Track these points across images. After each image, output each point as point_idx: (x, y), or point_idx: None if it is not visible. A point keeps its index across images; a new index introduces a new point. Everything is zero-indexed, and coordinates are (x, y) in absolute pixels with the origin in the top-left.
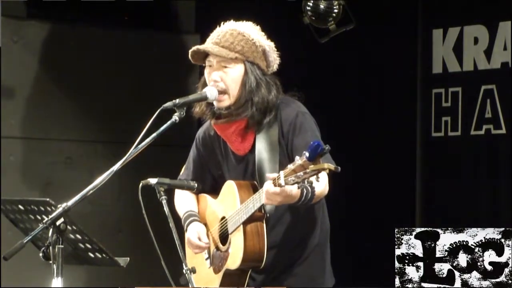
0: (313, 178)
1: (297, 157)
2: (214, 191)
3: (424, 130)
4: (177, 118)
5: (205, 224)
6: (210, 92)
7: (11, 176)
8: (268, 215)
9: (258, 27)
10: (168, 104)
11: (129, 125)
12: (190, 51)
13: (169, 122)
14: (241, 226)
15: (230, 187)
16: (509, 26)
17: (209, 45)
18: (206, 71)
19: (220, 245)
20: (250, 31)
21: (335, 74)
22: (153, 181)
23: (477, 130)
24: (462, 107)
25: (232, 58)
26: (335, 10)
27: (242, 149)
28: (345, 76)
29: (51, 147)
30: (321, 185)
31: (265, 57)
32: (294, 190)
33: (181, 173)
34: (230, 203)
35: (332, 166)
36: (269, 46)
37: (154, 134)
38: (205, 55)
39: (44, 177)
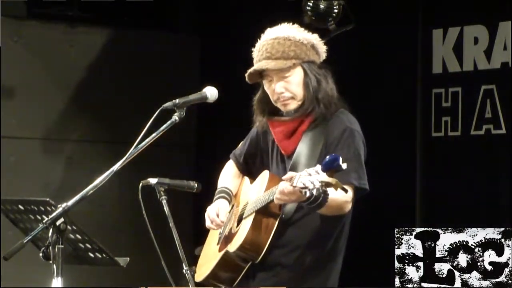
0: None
1: (318, 165)
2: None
3: (424, 130)
4: (177, 118)
5: (234, 205)
6: (210, 92)
7: (11, 176)
8: (284, 216)
9: (296, 25)
10: (168, 104)
11: (129, 125)
12: (246, 75)
13: (169, 122)
14: (254, 214)
15: (264, 176)
16: (509, 26)
17: (263, 62)
18: (266, 86)
19: (234, 227)
20: (293, 33)
21: (334, 74)
22: (153, 181)
23: (477, 130)
24: (462, 107)
25: (290, 66)
26: (335, 10)
27: (286, 150)
28: (344, 76)
29: (51, 147)
30: (339, 195)
31: (316, 51)
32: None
33: (238, 146)
34: (257, 190)
35: (340, 184)
36: (315, 39)
37: (154, 134)
38: (260, 71)
39: (44, 177)
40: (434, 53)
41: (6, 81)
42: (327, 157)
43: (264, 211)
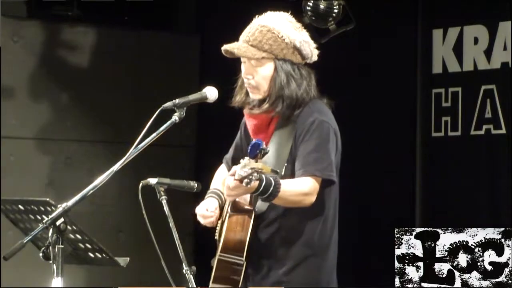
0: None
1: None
2: None
3: (424, 130)
4: (177, 118)
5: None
6: (210, 92)
7: (11, 176)
8: (257, 210)
9: (293, 18)
10: (168, 104)
11: (129, 125)
12: (222, 49)
13: (169, 122)
14: (228, 214)
15: None
16: (509, 26)
17: (239, 43)
18: (242, 66)
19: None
20: (281, 27)
21: (334, 74)
22: (153, 181)
23: (477, 130)
24: (462, 107)
25: (259, 58)
26: (335, 10)
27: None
28: (344, 76)
29: (51, 147)
30: (295, 187)
31: (298, 51)
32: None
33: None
34: None
35: (267, 168)
36: (301, 40)
37: (154, 134)
38: None
39: (44, 177)
40: (434, 53)
41: (6, 81)
42: (250, 143)
43: (237, 210)
